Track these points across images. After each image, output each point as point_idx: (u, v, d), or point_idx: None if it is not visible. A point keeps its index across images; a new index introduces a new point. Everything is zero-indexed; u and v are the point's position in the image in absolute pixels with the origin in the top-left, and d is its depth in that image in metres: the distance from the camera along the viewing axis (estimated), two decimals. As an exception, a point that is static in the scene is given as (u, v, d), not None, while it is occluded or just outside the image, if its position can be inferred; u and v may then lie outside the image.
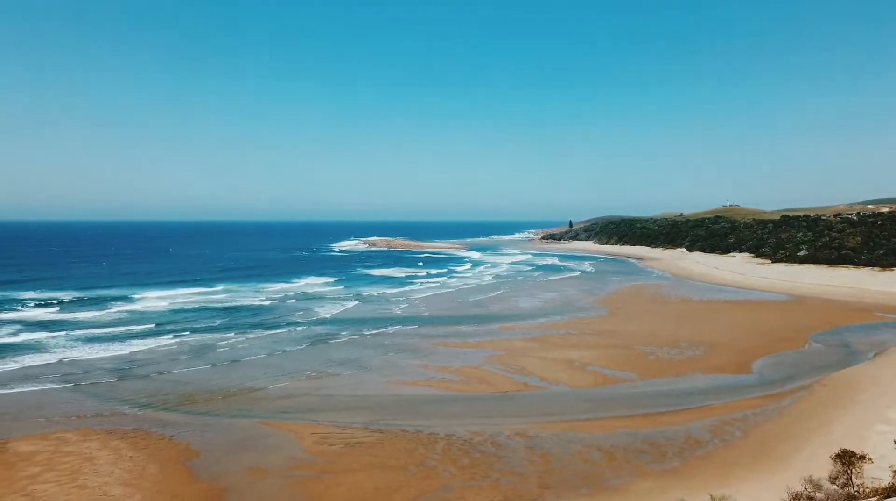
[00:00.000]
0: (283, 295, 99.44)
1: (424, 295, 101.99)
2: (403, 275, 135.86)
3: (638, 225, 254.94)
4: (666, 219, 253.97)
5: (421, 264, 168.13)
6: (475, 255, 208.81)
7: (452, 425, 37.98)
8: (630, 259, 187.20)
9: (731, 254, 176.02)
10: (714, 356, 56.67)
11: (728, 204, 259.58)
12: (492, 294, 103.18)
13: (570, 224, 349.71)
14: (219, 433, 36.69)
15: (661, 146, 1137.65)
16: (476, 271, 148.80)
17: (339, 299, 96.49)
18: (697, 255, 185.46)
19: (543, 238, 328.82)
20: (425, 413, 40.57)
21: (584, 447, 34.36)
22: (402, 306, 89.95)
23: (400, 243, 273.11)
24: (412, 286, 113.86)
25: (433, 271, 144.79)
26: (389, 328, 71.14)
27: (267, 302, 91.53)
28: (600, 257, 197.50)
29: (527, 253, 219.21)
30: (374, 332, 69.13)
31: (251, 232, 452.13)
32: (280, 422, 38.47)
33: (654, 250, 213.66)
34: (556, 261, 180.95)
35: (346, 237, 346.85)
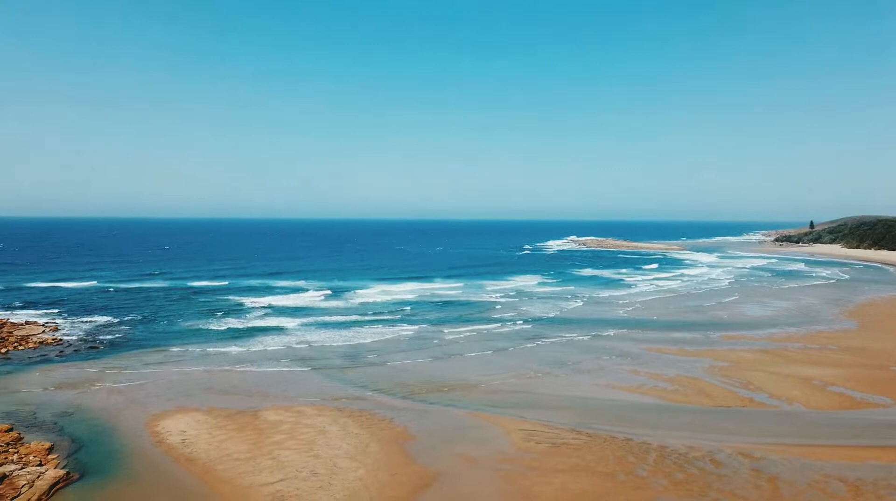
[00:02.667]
0: (497, 293, 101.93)
1: (637, 298, 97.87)
2: (616, 276, 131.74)
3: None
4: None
5: (635, 265, 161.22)
6: (695, 257, 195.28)
7: (666, 436, 35.90)
8: (888, 267, 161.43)
9: None
10: None
11: None
12: (714, 300, 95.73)
13: (811, 225, 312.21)
14: (434, 419, 38.73)
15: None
16: (697, 273, 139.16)
17: (552, 298, 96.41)
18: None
19: (777, 240, 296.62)
20: (636, 421, 38.88)
21: (822, 476, 30.32)
22: (614, 308, 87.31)
23: (611, 243, 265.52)
24: (625, 289, 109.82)
25: (648, 274, 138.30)
26: (601, 330, 69.46)
27: (482, 299, 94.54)
28: (849, 263, 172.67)
29: (756, 256, 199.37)
30: (585, 333, 67.98)
31: (457, 231, 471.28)
32: (490, 415, 39.50)
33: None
34: (791, 266, 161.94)
35: (555, 236, 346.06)
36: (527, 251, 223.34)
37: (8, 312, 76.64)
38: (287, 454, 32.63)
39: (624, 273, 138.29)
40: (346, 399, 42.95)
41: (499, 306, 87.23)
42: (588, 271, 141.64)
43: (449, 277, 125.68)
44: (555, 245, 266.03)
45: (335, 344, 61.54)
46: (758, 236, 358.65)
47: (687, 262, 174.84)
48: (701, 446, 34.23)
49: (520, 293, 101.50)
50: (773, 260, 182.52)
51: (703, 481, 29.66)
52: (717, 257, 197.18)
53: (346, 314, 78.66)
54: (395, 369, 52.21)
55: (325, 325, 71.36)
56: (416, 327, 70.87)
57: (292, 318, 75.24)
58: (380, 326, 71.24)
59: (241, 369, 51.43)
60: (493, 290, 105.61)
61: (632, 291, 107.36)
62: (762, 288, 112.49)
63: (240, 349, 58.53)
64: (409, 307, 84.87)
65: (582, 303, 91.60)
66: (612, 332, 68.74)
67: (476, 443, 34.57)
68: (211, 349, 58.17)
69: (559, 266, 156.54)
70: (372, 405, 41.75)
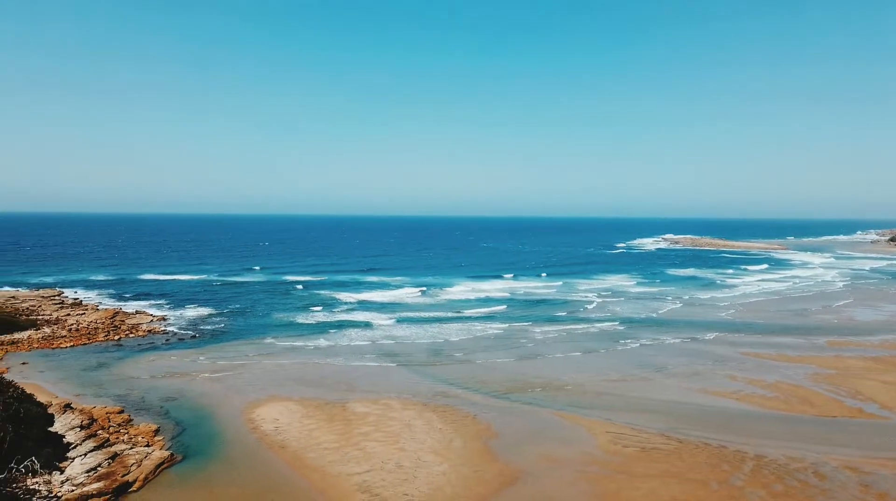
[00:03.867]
0: (589, 292, 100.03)
1: (739, 300, 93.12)
2: (716, 277, 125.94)
3: None
4: None
5: (737, 265, 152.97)
6: (804, 257, 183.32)
7: (764, 445, 33.95)
8: None
9: None
10: None
11: None
12: (821, 303, 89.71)
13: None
14: (517, 417, 38.45)
15: None
16: (808, 274, 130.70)
17: (646, 299, 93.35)
18: None
19: (892, 240, 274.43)
20: (732, 428, 37.00)
21: (943, 496, 27.75)
22: (713, 310, 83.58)
23: (706, 242, 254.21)
24: (726, 290, 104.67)
25: (752, 275, 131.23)
26: (697, 333, 66.70)
27: (573, 298, 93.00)
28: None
29: (872, 256, 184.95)
30: (681, 336, 65.46)
31: (544, 228, 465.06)
32: (576, 416, 38.77)
33: None
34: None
35: (645, 234, 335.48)
36: (620, 250, 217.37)
37: (121, 302, 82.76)
38: (373, 445, 33.33)
39: (725, 274, 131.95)
40: (431, 395, 43.38)
41: (590, 306, 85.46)
42: (686, 271, 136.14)
43: (539, 275, 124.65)
44: (648, 243, 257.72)
45: (422, 340, 62.30)
46: (871, 236, 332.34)
47: (795, 262, 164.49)
48: (803, 457, 32.15)
49: (613, 293, 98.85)
50: (893, 261, 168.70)
51: (804, 494, 27.85)
52: (830, 257, 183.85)
53: (434, 311, 79.51)
54: (480, 366, 52.24)
55: (414, 321, 72.40)
56: (504, 325, 70.61)
57: (382, 313, 76.83)
58: (467, 323, 71.54)
59: (331, 361, 53.04)
60: (584, 289, 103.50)
61: (733, 292, 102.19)
62: (878, 291, 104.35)
63: (330, 343, 60.41)
64: (497, 305, 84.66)
65: (680, 305, 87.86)
66: (709, 335, 65.77)
67: (561, 443, 34.02)
68: (303, 342, 60.37)
69: (654, 266, 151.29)
70: (456, 401, 41.95)
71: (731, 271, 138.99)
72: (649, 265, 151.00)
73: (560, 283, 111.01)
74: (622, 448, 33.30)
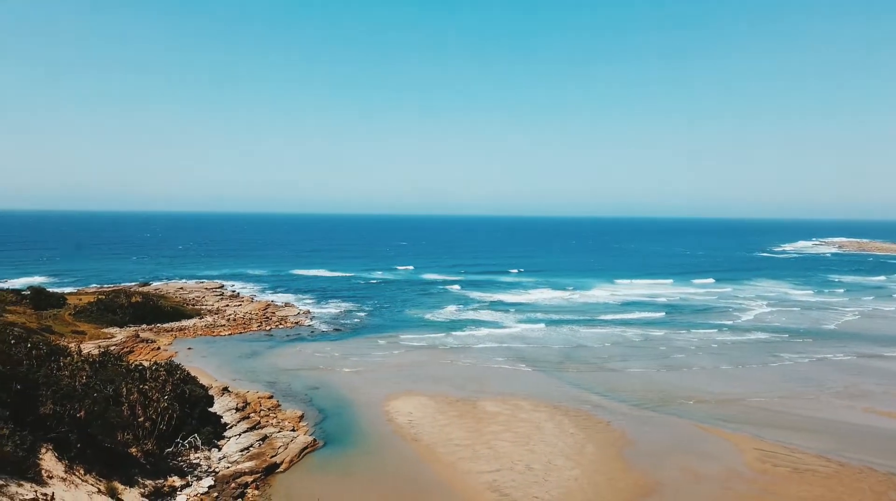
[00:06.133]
0: (740, 298, 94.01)
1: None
2: (883, 281, 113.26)
3: None
4: None
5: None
6: None
7: (946, 476, 29.90)
8: None
9: None
10: None
11: None
12: None
13: None
14: (655, 428, 36.74)
15: None
16: None
17: (808, 308, 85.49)
18: None
19: None
20: (905, 454, 32.96)
21: None
22: (878, 320, 75.14)
23: (875, 246, 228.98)
24: None
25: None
26: (866, 348, 60.30)
27: (719, 304, 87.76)
28: None
29: None
30: (847, 350, 59.43)
31: (682, 230, 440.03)
32: (719, 429, 36.37)
33: None
34: None
35: (800, 238, 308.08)
36: (776, 254, 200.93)
37: (272, 295, 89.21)
38: (503, 445, 33.28)
39: (893, 279, 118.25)
40: (563, 398, 42.58)
41: (745, 314, 79.57)
42: (847, 278, 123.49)
43: (685, 279, 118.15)
44: (808, 247, 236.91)
45: (556, 343, 61.36)
46: None
47: None
48: None
49: (772, 301, 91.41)
50: None
51: None
52: None
53: (570, 313, 78.11)
54: (616, 372, 50.53)
55: (548, 322, 71.58)
56: (645, 330, 67.73)
57: (515, 314, 76.74)
58: (605, 327, 69.50)
59: (463, 359, 53.70)
60: (737, 295, 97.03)
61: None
62: None
63: (462, 341, 61.20)
64: (638, 311, 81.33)
65: (856, 317, 79.21)
66: (882, 351, 59.14)
67: (702, 457, 32.04)
68: (436, 339, 61.63)
69: (812, 271, 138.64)
70: (589, 406, 40.85)
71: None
72: (807, 271, 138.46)
73: (708, 288, 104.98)
74: (772, 467, 30.74)
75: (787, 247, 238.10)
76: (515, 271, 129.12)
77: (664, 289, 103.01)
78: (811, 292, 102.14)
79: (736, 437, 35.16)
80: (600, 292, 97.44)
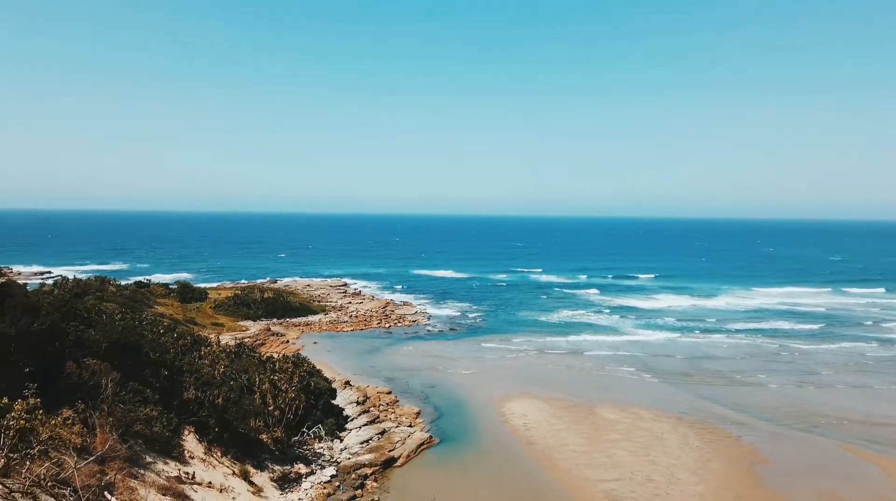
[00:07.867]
0: (866, 304, 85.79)
1: None
2: None
3: None
4: None
5: None
6: None
7: None
8: None
9: None
10: None
11: None
12: None
13: None
14: (790, 445, 34.10)
15: None
16: None
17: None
18: None
19: None
20: None
21: None
22: None
23: None
24: None
25: None
26: None
27: (852, 313, 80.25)
28: None
29: None
30: None
31: (804, 232, 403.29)
32: (865, 452, 33.14)
33: None
34: None
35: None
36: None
37: (392, 294, 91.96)
38: (622, 454, 32.20)
39: None
40: (686, 409, 40.55)
41: (866, 320, 73.25)
42: None
43: (824, 286, 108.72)
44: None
45: (680, 351, 58.61)
46: None
47: None
48: None
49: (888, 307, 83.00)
50: None
51: None
52: None
53: (696, 320, 74.28)
54: (746, 384, 47.41)
55: (671, 328, 68.61)
56: (780, 340, 63.07)
57: (638, 319, 74.22)
58: (733, 336, 65.32)
59: (580, 363, 52.57)
60: (866, 304, 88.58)
61: None
62: None
63: (580, 345, 59.92)
64: (770, 320, 75.78)
65: None
66: None
67: (844, 479, 29.33)
68: (553, 342, 60.79)
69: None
70: (716, 418, 38.61)
71: None
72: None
73: (857, 298, 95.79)
74: (931, 498, 27.57)
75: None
76: (643, 276, 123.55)
77: (797, 298, 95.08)
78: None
79: (884, 460, 31.89)
80: (730, 299, 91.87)
